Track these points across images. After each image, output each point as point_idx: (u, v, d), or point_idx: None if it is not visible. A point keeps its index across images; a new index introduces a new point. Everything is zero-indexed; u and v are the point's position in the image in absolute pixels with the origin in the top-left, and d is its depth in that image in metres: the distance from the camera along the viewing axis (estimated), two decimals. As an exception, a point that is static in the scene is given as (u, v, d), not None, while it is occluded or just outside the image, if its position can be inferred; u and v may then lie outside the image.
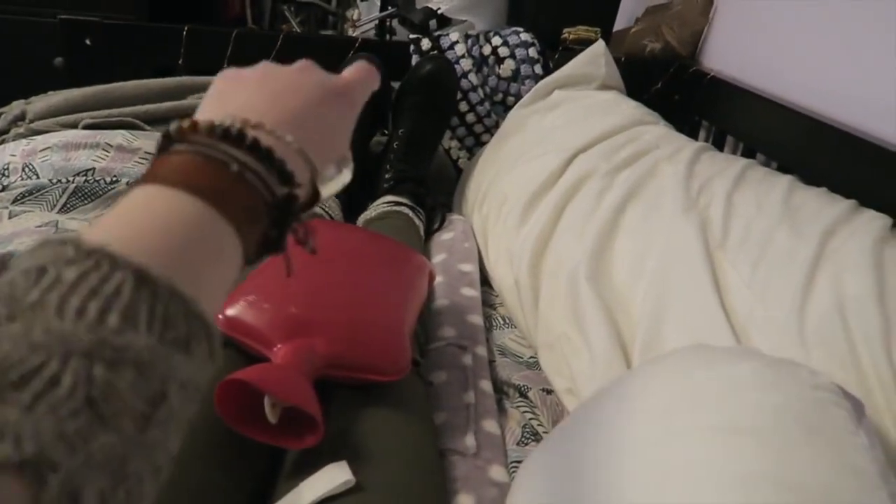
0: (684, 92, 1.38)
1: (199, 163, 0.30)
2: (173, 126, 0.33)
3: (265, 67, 0.40)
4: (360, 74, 0.44)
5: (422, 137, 1.25)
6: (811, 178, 0.92)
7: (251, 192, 0.31)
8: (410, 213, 1.13)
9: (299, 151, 0.35)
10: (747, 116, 1.16)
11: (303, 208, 0.36)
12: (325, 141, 0.39)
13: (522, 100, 1.33)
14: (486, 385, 0.77)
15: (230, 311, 0.65)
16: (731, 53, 1.31)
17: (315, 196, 0.37)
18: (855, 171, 0.87)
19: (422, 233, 1.12)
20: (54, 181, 0.87)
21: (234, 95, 0.37)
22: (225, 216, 0.29)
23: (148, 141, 1.03)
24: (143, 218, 0.27)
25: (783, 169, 1.00)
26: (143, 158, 0.98)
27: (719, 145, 1.24)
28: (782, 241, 0.73)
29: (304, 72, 0.40)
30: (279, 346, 0.62)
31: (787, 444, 0.42)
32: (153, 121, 1.15)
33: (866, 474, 0.42)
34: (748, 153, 1.15)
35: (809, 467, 0.41)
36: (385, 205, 1.14)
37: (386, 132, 1.36)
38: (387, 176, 1.22)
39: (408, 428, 0.63)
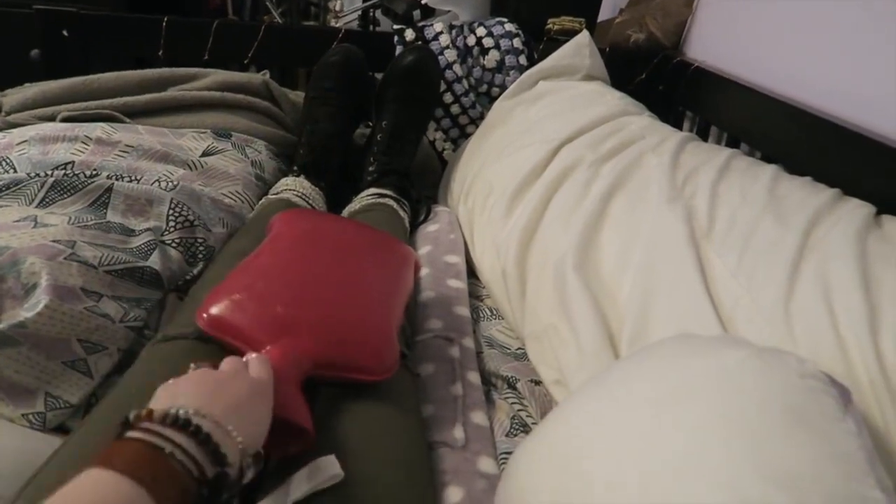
0: (668, 83, 1.38)
1: (144, 451, 0.38)
2: (133, 413, 0.41)
3: (201, 372, 0.49)
4: (268, 373, 0.54)
5: (405, 129, 1.24)
6: (795, 167, 0.92)
7: (182, 472, 0.38)
8: (395, 205, 1.12)
9: (235, 437, 0.43)
10: (731, 107, 1.16)
11: (232, 485, 0.42)
12: (252, 430, 0.47)
13: (507, 91, 1.32)
14: (474, 377, 0.77)
15: (214, 310, 0.63)
16: (714, 44, 1.31)
17: (241, 476, 0.44)
18: (838, 160, 0.88)
19: (407, 224, 1.11)
20: (32, 175, 0.85)
21: (183, 392, 0.45)
22: (155, 499, 0.36)
23: (128, 133, 1.01)
24: (90, 499, 0.35)
25: (767, 158, 1.00)
26: (124, 151, 0.96)
27: (703, 136, 1.24)
28: (767, 231, 0.73)
29: (235, 375, 0.50)
30: (268, 348, 0.60)
31: (776, 433, 0.42)
32: (133, 113, 1.13)
33: (854, 461, 0.42)
34: (732, 143, 1.15)
35: (798, 455, 0.41)
36: (369, 197, 1.13)
37: (369, 124, 1.35)
38: (370, 168, 1.21)
39: (395, 421, 0.62)
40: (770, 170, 0.88)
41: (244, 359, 0.55)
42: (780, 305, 0.63)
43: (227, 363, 0.53)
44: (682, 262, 0.73)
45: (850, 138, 0.86)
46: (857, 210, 0.75)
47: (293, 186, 1.09)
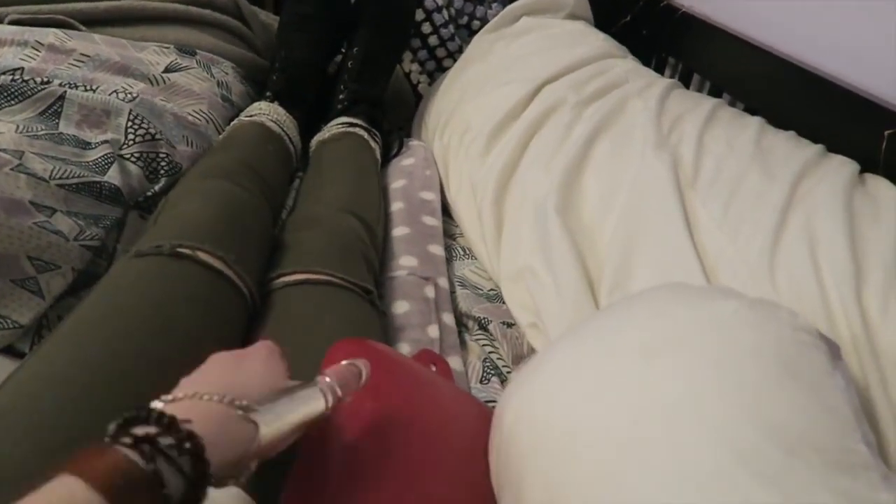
0: (653, 27, 1.34)
1: (122, 463, 0.31)
2: (154, 405, 0.34)
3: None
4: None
5: (377, 56, 1.19)
6: (778, 119, 0.91)
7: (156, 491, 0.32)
8: (366, 135, 1.07)
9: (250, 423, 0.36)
10: (716, 55, 1.13)
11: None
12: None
13: (488, 25, 1.27)
14: (449, 318, 0.75)
15: None
16: (704, -11, 1.27)
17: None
18: (823, 114, 0.86)
19: (378, 156, 1.07)
20: (-25, 79, 0.78)
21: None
22: None
23: (83, 42, 0.93)
24: None
25: (749, 110, 0.99)
26: (79, 60, 0.89)
27: (685, 83, 1.22)
28: (754, 183, 0.72)
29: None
30: None
31: (769, 385, 0.41)
32: (89, 21, 1.04)
33: (842, 415, 0.42)
34: (714, 92, 1.13)
35: (790, 408, 0.40)
36: (339, 126, 1.09)
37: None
38: (340, 96, 1.15)
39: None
40: (755, 122, 0.86)
41: None
42: (765, 257, 0.63)
43: None
44: (666, 210, 0.71)
45: (835, 93, 0.85)
46: (842, 167, 0.74)
47: (267, 111, 1.03)
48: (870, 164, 0.77)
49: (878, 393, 0.50)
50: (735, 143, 0.80)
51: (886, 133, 0.77)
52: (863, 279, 0.57)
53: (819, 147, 0.80)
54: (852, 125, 0.82)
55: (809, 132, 0.85)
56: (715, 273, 0.65)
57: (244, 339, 0.62)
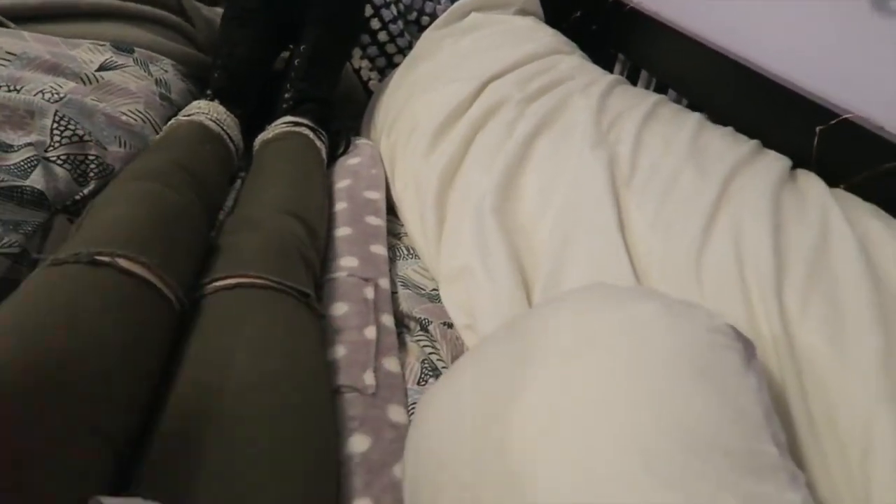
0: (602, 23, 1.34)
1: None
2: None
3: None
4: None
5: (325, 54, 1.16)
6: (719, 115, 0.92)
7: None
8: (311, 135, 1.06)
9: None
10: (661, 51, 1.14)
11: None
12: None
13: (437, 21, 1.26)
14: (388, 320, 0.74)
15: None
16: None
17: None
18: (760, 110, 0.88)
19: (324, 156, 1.05)
20: None
21: None
22: None
23: (10, 39, 0.90)
24: None
25: (693, 106, 0.99)
26: (5, 59, 0.86)
27: (633, 79, 1.22)
28: (687, 182, 0.73)
29: None
30: None
31: (678, 388, 0.41)
32: (18, 18, 1.01)
33: (752, 416, 0.42)
34: (660, 88, 1.14)
35: (698, 411, 0.40)
36: (284, 125, 1.07)
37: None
38: (286, 95, 1.13)
39: (294, 365, 0.59)
40: (694, 119, 0.87)
41: None
42: (692, 257, 0.63)
43: None
44: (601, 210, 0.72)
45: (771, 88, 0.86)
46: (774, 163, 0.75)
47: (206, 110, 1.01)
48: (803, 159, 0.78)
49: (794, 391, 0.51)
50: (672, 140, 0.81)
51: (818, 129, 0.78)
52: (784, 276, 0.58)
53: (755, 143, 0.81)
54: (787, 121, 0.83)
55: (747, 127, 0.87)
56: (646, 273, 0.65)
57: (173, 345, 0.61)
